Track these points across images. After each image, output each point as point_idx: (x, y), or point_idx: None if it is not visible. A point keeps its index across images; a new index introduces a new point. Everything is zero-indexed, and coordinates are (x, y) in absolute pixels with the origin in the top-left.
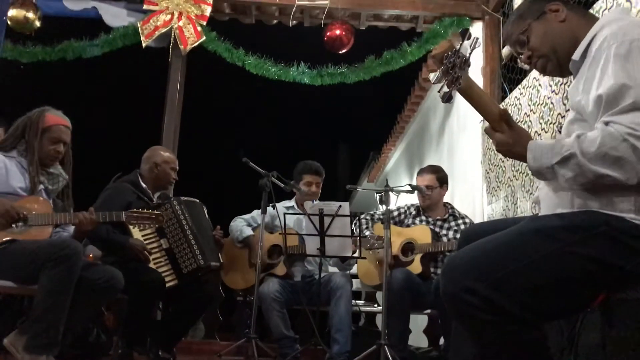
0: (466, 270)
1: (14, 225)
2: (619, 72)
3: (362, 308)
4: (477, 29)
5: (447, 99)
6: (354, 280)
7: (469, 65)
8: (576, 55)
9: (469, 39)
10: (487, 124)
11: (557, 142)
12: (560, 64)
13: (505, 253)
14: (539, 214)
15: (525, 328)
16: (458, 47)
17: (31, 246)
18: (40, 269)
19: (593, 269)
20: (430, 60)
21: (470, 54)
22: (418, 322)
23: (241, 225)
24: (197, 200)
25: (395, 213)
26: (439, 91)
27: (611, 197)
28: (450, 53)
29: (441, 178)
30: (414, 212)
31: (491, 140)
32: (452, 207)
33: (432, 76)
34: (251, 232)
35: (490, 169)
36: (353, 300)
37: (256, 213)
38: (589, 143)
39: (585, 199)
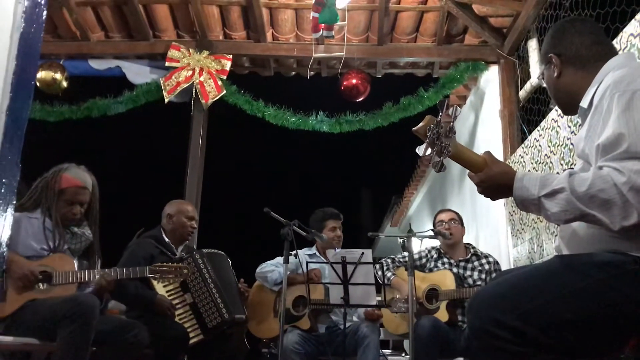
0: (494, 303)
1: (39, 285)
2: (617, 123)
3: (390, 358)
4: (493, 73)
5: (440, 167)
6: (380, 329)
7: (454, 133)
8: (584, 103)
9: (448, 108)
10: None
11: (548, 175)
12: (564, 110)
13: (534, 286)
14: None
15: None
16: (439, 118)
17: (48, 303)
18: (57, 326)
19: (623, 307)
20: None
21: (453, 121)
22: None
23: (274, 268)
24: (222, 252)
25: (417, 257)
26: (429, 162)
27: (638, 241)
28: (432, 125)
29: (460, 217)
30: (435, 255)
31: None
32: (474, 247)
33: (419, 149)
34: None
35: (514, 211)
36: (380, 350)
37: (278, 260)
38: (579, 182)
39: (613, 242)
